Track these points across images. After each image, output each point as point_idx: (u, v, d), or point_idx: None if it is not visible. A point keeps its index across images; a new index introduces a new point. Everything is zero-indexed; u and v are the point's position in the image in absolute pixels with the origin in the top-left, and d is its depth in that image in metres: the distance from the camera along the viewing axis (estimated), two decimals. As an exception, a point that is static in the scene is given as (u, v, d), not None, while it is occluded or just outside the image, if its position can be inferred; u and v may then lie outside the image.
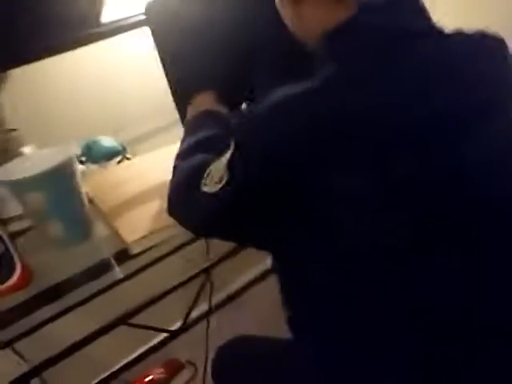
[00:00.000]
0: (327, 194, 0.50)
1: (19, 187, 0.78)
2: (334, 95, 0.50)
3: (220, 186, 0.56)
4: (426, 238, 0.51)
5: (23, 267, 0.73)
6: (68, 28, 1.04)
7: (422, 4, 0.57)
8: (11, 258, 0.72)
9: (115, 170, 1.10)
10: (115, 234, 0.83)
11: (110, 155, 1.14)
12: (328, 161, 0.49)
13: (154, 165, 1.05)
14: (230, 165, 0.56)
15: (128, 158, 1.15)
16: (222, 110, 0.80)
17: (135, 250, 0.79)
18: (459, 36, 0.57)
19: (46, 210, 0.80)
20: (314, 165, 0.49)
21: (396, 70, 0.51)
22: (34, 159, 0.82)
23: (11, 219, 0.86)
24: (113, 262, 0.80)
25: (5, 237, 0.76)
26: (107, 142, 1.14)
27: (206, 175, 0.61)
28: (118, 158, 1.15)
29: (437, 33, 0.57)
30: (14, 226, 0.85)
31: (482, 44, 0.59)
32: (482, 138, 0.52)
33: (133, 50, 1.23)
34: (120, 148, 1.14)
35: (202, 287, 1.07)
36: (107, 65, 1.22)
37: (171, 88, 0.92)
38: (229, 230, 0.61)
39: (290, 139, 0.50)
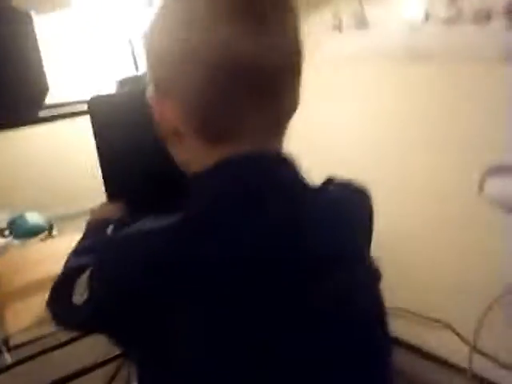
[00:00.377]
0: (161, 330, 0.52)
1: None
2: (182, 237, 0.52)
3: (82, 299, 0.58)
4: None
5: None
6: (14, 109, 1.10)
7: (287, 156, 0.59)
8: None
9: (34, 249, 1.13)
10: (2, 321, 0.84)
11: (34, 231, 1.16)
12: (162, 300, 0.51)
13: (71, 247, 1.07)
14: (89, 281, 0.58)
15: (52, 236, 1.17)
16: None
17: (16, 341, 0.79)
18: (325, 189, 0.60)
19: None
20: (149, 302, 0.51)
21: (249, 222, 0.53)
22: None
23: None
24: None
25: None
26: (33, 217, 1.17)
27: (76, 284, 0.63)
28: (43, 235, 1.17)
29: (301, 185, 0.58)
30: None
31: (348, 198, 0.63)
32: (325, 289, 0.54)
33: (73, 133, 1.29)
34: (45, 225, 1.17)
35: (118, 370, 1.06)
36: (48, 144, 1.28)
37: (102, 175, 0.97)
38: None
39: (131, 274, 0.52)
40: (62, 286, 0.68)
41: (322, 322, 0.55)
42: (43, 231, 1.17)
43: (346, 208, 0.61)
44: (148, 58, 0.57)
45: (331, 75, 1.94)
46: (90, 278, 0.58)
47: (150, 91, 0.57)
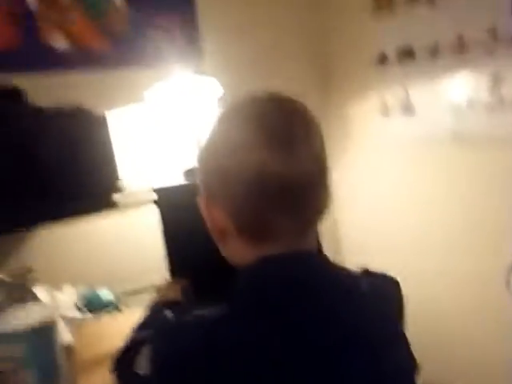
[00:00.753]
0: None
1: (3, 340, 0.92)
2: (234, 325, 0.61)
3: (143, 373, 0.68)
4: None
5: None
6: (89, 198, 1.27)
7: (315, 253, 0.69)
8: None
9: (104, 322, 1.25)
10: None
11: (105, 306, 1.30)
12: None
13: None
14: (148, 359, 0.68)
15: (120, 310, 1.30)
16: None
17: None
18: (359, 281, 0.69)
19: (23, 363, 0.93)
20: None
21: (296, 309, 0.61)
22: (21, 313, 0.97)
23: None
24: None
25: None
26: (105, 294, 1.31)
27: (137, 357, 0.72)
28: (112, 309, 1.30)
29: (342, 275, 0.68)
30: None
31: (379, 288, 0.70)
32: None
33: (141, 218, 1.46)
34: (114, 300, 1.31)
35: None
36: (118, 228, 1.45)
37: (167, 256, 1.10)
38: None
39: (184, 360, 0.60)
40: (125, 356, 0.78)
41: None
42: (112, 306, 1.30)
43: (379, 300, 0.69)
44: (200, 171, 0.70)
45: (378, 158, 2.04)
46: (150, 357, 0.67)
47: (200, 196, 0.70)
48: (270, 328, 0.60)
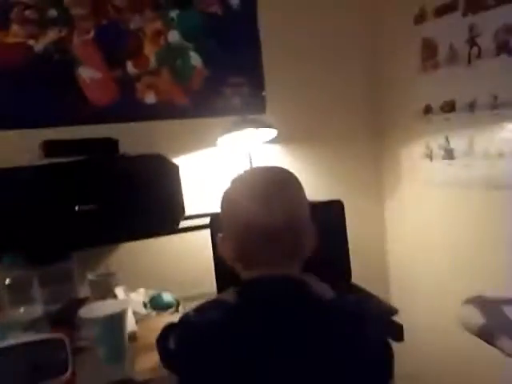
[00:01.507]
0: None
1: (88, 322, 1.31)
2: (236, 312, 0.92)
3: (171, 347, 1.01)
4: None
5: (73, 371, 1.22)
6: (160, 223, 1.64)
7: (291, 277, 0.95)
8: (67, 361, 1.21)
9: (165, 318, 1.59)
10: (134, 363, 1.30)
11: (166, 306, 1.66)
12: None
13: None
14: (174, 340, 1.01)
15: (178, 311, 1.65)
16: None
17: (140, 378, 1.24)
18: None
19: (99, 340, 1.31)
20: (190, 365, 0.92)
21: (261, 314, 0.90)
22: (102, 305, 1.36)
23: (79, 339, 1.39)
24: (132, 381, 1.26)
25: (68, 345, 1.25)
26: (167, 297, 1.67)
27: (170, 334, 1.05)
28: (172, 309, 1.66)
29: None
30: (82, 343, 1.38)
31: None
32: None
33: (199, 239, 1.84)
34: (174, 302, 1.66)
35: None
36: (180, 245, 1.83)
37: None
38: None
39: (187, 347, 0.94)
40: (163, 335, 1.10)
41: None
42: (173, 307, 1.66)
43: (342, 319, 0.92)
44: (219, 212, 1.01)
45: (424, 195, 2.23)
46: (174, 336, 1.01)
47: (219, 234, 1.01)
48: (255, 314, 0.91)
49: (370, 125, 2.37)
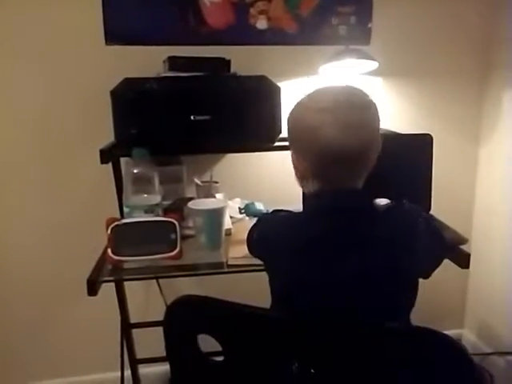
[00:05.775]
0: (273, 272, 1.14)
1: (194, 213, 1.57)
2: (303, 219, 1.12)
3: (253, 238, 1.26)
4: None
5: (180, 249, 1.50)
6: (258, 140, 1.82)
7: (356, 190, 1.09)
8: (176, 241, 1.49)
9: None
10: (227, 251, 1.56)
11: (257, 213, 1.89)
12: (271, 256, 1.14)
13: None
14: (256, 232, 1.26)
15: (267, 218, 1.87)
16: None
17: (231, 263, 1.50)
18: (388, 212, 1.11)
19: (202, 229, 1.57)
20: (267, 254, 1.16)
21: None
22: (206, 201, 1.62)
23: (187, 228, 1.66)
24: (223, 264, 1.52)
25: (177, 227, 1.51)
26: (259, 205, 1.90)
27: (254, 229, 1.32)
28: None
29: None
30: (187, 232, 1.66)
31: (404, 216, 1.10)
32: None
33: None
34: (264, 211, 1.88)
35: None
36: (275, 161, 2.04)
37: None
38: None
39: (263, 238, 1.18)
40: (252, 230, 1.35)
41: None
42: (262, 215, 1.88)
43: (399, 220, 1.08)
44: (287, 128, 1.16)
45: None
46: (255, 229, 1.25)
47: (292, 150, 1.15)
48: (320, 223, 1.07)
49: (475, 62, 2.33)
